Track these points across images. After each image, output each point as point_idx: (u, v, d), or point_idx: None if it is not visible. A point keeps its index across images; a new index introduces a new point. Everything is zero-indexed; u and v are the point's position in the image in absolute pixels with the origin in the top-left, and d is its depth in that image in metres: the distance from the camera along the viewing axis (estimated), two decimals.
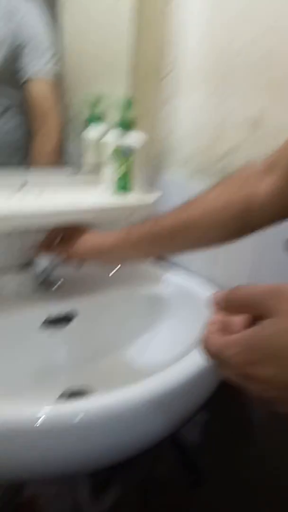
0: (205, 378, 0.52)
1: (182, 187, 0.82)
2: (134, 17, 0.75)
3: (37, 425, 0.42)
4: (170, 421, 0.52)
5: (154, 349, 0.71)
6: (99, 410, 0.44)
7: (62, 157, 0.81)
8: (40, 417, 0.42)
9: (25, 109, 0.76)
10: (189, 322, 0.68)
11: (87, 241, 0.67)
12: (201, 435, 0.89)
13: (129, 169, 0.73)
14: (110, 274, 0.77)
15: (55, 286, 0.70)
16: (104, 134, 0.75)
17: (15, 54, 0.73)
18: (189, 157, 0.82)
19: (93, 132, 0.78)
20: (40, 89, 0.77)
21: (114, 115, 0.74)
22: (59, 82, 0.78)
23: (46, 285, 0.72)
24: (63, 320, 0.69)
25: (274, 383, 0.27)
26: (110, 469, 0.90)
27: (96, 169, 0.78)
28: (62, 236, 0.69)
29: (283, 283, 0.29)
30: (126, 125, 0.72)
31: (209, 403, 0.68)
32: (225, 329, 0.33)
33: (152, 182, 0.87)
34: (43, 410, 0.42)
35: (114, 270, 0.78)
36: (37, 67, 0.75)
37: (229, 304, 0.32)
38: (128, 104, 0.71)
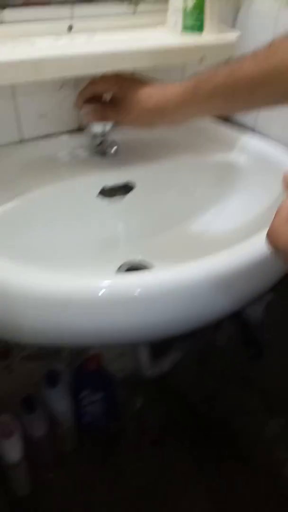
0: (271, 262, 0.45)
1: (271, 22, 0.64)
2: None
3: (100, 295, 0.40)
4: (229, 303, 0.47)
5: (221, 224, 0.64)
6: (156, 286, 0.41)
7: None
8: (102, 288, 0.40)
9: None
10: (265, 197, 0.58)
11: (147, 98, 0.55)
12: (264, 312, 0.87)
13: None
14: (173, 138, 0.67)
15: (112, 152, 0.62)
16: None
17: None
18: None
19: None
20: None
21: None
22: None
23: (102, 151, 0.64)
24: (122, 189, 0.62)
25: None
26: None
27: (161, 2, 0.62)
28: (113, 93, 0.58)
29: None
30: None
31: (275, 285, 0.62)
32: None
33: (229, 19, 0.69)
34: (105, 282, 0.40)
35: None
36: None
37: None
38: None
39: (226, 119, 0.73)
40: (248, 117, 0.74)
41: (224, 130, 0.70)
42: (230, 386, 0.96)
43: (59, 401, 0.89)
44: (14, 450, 0.79)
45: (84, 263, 0.57)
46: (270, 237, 0.27)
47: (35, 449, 0.85)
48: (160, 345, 0.97)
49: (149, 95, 0.55)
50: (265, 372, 0.88)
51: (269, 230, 0.27)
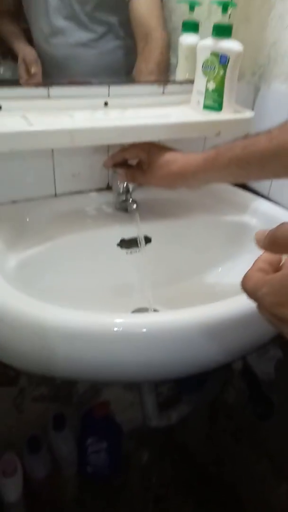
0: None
1: (286, 103, 0.72)
2: None
3: (115, 330, 0.45)
4: (223, 350, 0.51)
5: (231, 280, 0.68)
6: (158, 326, 0.46)
7: (166, 74, 0.76)
8: (116, 324, 0.45)
9: (126, 31, 0.73)
10: None
11: (171, 163, 0.63)
12: (274, 370, 0.88)
13: (221, 82, 0.65)
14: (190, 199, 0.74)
15: (133, 208, 0.70)
16: (198, 42, 0.67)
17: None
18: None
19: (187, 40, 0.71)
20: (144, 7, 0.72)
21: (211, 21, 0.66)
22: None
23: (125, 207, 0.71)
24: (136, 243, 0.68)
25: None
26: (179, 387, 0.94)
27: (187, 84, 0.72)
28: (140, 158, 0.66)
29: None
30: (223, 31, 0.63)
31: (283, 341, 0.64)
32: (270, 268, 0.31)
33: (249, 98, 0.78)
34: (119, 318, 0.46)
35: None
36: None
37: (272, 242, 0.29)
38: (226, 6, 0.62)
39: (242, 185, 0.80)
40: (262, 185, 0.80)
41: (239, 195, 0.76)
42: (238, 447, 0.94)
43: (64, 445, 0.90)
44: (14, 490, 0.80)
45: (100, 306, 0.62)
46: (242, 281, 0.31)
47: (35, 491, 0.85)
48: (169, 398, 0.98)
49: (173, 161, 0.63)
50: (274, 433, 0.87)
51: (244, 275, 0.31)
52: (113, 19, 0.74)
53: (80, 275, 0.64)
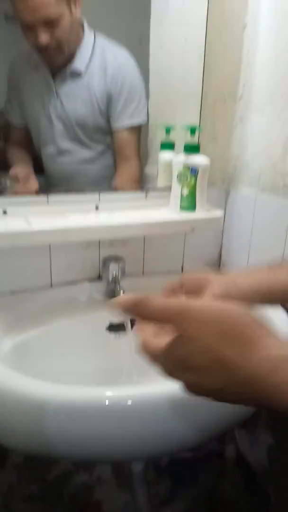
0: None
1: (251, 203, 0.84)
2: (203, 53, 0.82)
3: (106, 404, 0.50)
4: (193, 428, 0.54)
5: None
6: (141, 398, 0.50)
7: (140, 183, 0.90)
8: (106, 398, 0.50)
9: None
10: None
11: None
12: (267, 459, 0.86)
13: (193, 188, 0.78)
14: None
15: (121, 295, 0.77)
16: (173, 157, 0.81)
17: (108, 106, 0.86)
18: (257, 175, 0.84)
19: (164, 156, 0.86)
20: (125, 139, 0.89)
21: (183, 141, 0.81)
22: (143, 125, 0.89)
23: (114, 294, 0.79)
24: (124, 327, 0.75)
25: (192, 385, 0.34)
26: (173, 481, 0.92)
27: (166, 190, 0.84)
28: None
29: (191, 302, 0.33)
30: (192, 149, 0.77)
31: (275, 429, 0.66)
32: (161, 331, 0.37)
33: (221, 200, 0.91)
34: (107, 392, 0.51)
35: None
36: (126, 117, 0.87)
37: (138, 312, 0.33)
38: (193, 130, 0.77)
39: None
40: None
41: None
42: None
43: None
44: None
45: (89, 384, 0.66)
46: (140, 348, 0.36)
47: None
48: (164, 494, 0.94)
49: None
50: None
51: (140, 342, 0.36)
52: (109, 139, 0.90)
53: (71, 357, 0.69)
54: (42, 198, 0.76)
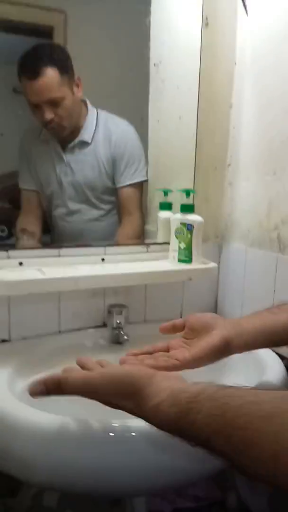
0: None
1: (242, 256, 0.93)
2: (195, 128, 0.95)
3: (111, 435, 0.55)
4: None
5: None
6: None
7: (142, 237, 1.00)
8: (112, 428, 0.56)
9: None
10: (248, 377, 0.74)
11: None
12: (268, 507, 0.87)
13: (189, 243, 0.87)
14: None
15: (125, 339, 0.83)
16: (171, 216, 0.91)
17: (113, 168, 0.98)
18: (246, 231, 0.94)
19: (163, 215, 0.96)
20: (128, 195, 1.00)
21: (179, 202, 0.91)
22: (144, 185, 1.01)
23: (118, 340, 0.85)
24: None
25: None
26: None
27: (165, 244, 0.93)
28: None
29: (95, 372, 0.47)
30: (187, 209, 0.87)
31: None
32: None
33: (215, 254, 1.00)
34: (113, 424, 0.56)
35: None
36: (128, 177, 0.98)
37: (60, 389, 0.46)
38: (188, 193, 0.88)
39: None
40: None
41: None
42: None
43: None
44: None
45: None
46: None
47: None
48: None
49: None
50: None
51: None
52: (115, 199, 1.00)
53: (78, 398, 0.74)
54: (54, 251, 0.85)
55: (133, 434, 0.55)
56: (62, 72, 0.88)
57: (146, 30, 0.99)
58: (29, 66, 0.87)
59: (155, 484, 0.59)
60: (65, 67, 0.89)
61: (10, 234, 0.91)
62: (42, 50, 0.90)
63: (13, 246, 0.84)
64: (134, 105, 1.03)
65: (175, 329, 0.59)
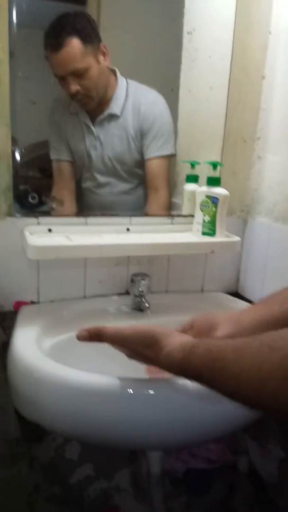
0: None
1: (266, 231, 0.94)
2: (226, 100, 0.94)
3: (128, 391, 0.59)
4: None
5: None
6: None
7: (168, 211, 1.01)
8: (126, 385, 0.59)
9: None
10: None
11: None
12: (278, 472, 0.91)
13: (214, 216, 0.88)
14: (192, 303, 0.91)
15: (146, 307, 0.86)
16: (197, 189, 0.92)
17: (142, 140, 0.97)
18: (272, 206, 0.94)
19: (189, 187, 0.97)
20: (154, 169, 0.99)
21: (206, 175, 0.92)
22: (172, 157, 1.00)
23: (139, 307, 0.88)
24: None
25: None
26: (187, 491, 0.97)
27: (190, 217, 0.95)
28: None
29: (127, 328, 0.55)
30: (214, 182, 0.88)
31: (286, 442, 0.71)
32: None
33: (240, 228, 1.00)
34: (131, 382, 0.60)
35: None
36: (155, 149, 0.98)
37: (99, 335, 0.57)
38: (215, 166, 0.88)
39: (236, 294, 0.97)
40: (255, 294, 0.97)
41: (233, 302, 0.92)
42: None
43: None
44: None
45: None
46: None
47: None
48: (180, 505, 0.99)
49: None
50: None
51: None
52: (143, 173, 1.01)
53: (99, 357, 0.78)
54: (81, 219, 0.88)
55: (151, 392, 0.59)
56: (86, 41, 0.86)
57: None
58: (52, 38, 0.86)
59: (169, 441, 0.63)
60: (88, 36, 0.87)
61: (41, 202, 0.94)
62: (64, 20, 0.87)
63: (43, 213, 0.87)
64: (166, 75, 1.03)
65: (184, 331, 0.63)
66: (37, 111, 0.95)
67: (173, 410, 0.59)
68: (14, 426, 0.92)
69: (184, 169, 1.01)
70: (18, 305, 0.86)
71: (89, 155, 0.98)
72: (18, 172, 0.86)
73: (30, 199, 0.89)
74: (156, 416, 0.59)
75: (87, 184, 1.01)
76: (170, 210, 1.02)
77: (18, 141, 0.88)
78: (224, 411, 0.61)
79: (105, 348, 0.80)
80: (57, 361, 0.65)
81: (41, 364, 0.64)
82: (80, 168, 1.00)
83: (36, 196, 0.91)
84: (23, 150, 0.92)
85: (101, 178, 1.00)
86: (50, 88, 0.95)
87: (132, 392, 0.59)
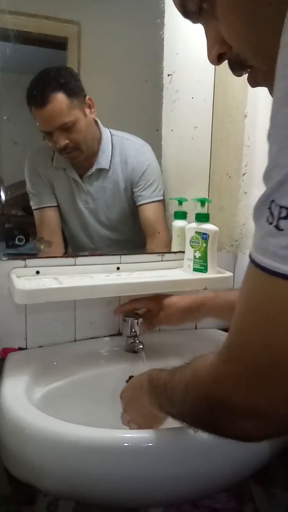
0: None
1: None
2: (210, 138, 0.96)
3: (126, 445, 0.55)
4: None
5: None
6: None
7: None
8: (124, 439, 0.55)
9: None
10: None
11: (177, 303, 0.82)
12: None
13: (205, 252, 0.87)
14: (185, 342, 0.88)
15: (140, 348, 0.83)
16: (186, 225, 0.91)
17: (133, 189, 0.97)
18: None
19: (178, 224, 0.96)
20: (149, 213, 0.99)
21: (194, 211, 0.92)
22: (163, 201, 1.00)
23: (133, 349, 0.85)
24: None
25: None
26: None
27: (180, 253, 0.94)
28: (148, 307, 0.85)
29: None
30: (202, 218, 0.87)
31: None
32: None
33: (230, 263, 1.00)
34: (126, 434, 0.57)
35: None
36: (148, 195, 0.98)
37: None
38: (203, 202, 0.88)
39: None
40: None
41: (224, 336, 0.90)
42: None
43: None
44: None
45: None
46: None
47: None
48: None
49: (179, 300, 0.83)
50: None
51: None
52: (134, 219, 0.99)
53: (93, 406, 0.74)
54: (70, 260, 0.85)
55: (150, 444, 0.55)
56: (71, 95, 0.86)
57: (160, 42, 1.00)
58: (36, 95, 0.85)
59: (171, 496, 0.59)
60: (73, 89, 0.87)
61: (27, 241, 0.91)
62: (47, 76, 0.87)
63: (30, 255, 0.84)
64: (149, 116, 1.04)
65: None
66: (19, 151, 0.95)
67: (174, 463, 0.55)
68: (2, 484, 0.86)
69: (171, 206, 1.01)
70: (5, 351, 0.82)
71: (80, 210, 0.97)
72: (3, 211, 0.85)
73: (17, 241, 0.87)
74: (157, 471, 0.55)
75: (76, 232, 0.99)
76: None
77: (4, 180, 0.87)
78: (229, 461, 0.58)
79: (99, 394, 0.77)
80: (49, 414, 0.61)
81: (32, 419, 0.59)
82: (69, 220, 0.99)
83: (23, 237, 0.89)
84: (7, 190, 0.91)
85: (91, 229, 0.98)
86: (32, 128, 0.95)
87: (128, 445, 0.55)
